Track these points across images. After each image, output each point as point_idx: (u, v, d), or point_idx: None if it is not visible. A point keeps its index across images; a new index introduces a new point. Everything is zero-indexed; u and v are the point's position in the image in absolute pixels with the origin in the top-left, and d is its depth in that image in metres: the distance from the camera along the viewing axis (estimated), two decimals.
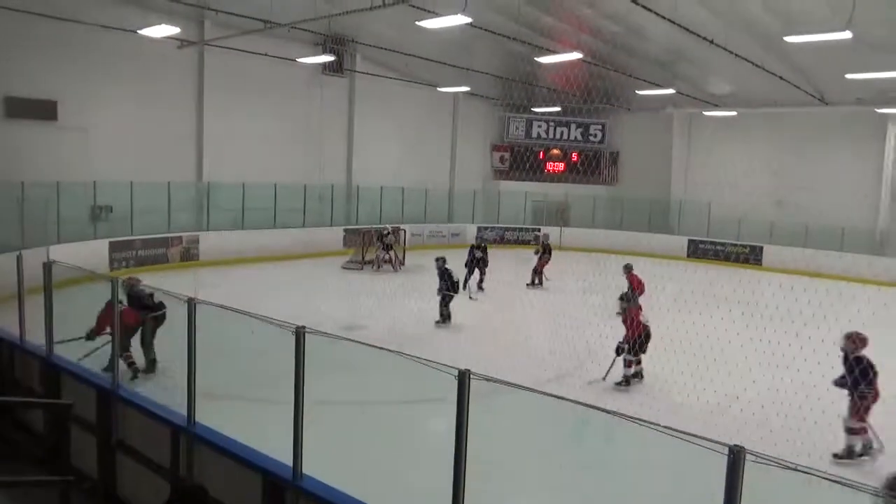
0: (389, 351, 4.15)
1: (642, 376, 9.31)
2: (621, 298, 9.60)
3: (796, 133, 23.49)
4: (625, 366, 9.13)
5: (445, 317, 12.40)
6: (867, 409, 7.04)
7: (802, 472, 2.65)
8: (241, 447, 4.56)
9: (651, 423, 3.14)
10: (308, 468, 4.17)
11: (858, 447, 7.01)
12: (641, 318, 9.23)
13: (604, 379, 8.99)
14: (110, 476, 5.60)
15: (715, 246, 24.39)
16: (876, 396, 7.12)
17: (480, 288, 15.77)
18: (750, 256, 23.41)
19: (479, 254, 16.08)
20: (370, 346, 4.40)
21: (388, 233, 19.39)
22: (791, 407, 7.54)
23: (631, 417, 3.22)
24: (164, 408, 5.21)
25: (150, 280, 11.29)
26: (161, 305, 8.61)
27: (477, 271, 15.90)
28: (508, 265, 17.24)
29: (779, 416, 7.31)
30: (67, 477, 4.73)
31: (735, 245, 23.91)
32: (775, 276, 15.17)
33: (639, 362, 9.22)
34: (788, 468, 2.67)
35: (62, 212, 14.96)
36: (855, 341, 7.33)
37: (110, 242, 16.14)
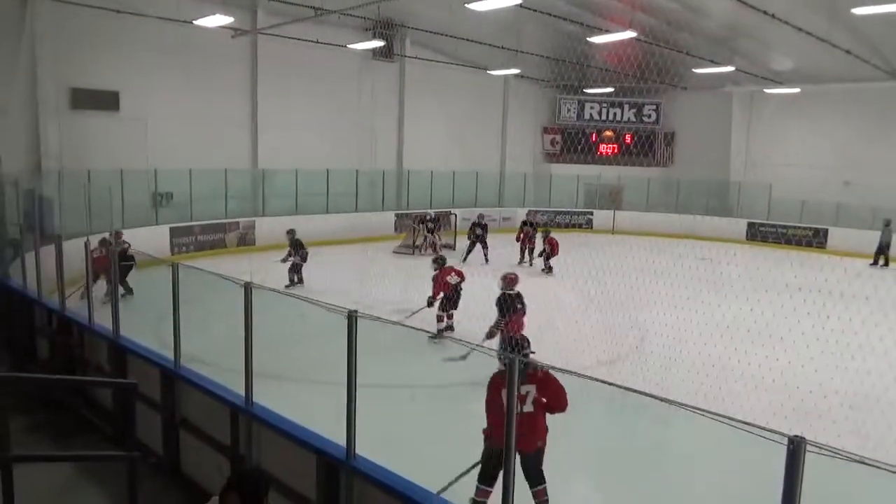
0: (439, 334, 4.17)
1: (453, 328, 10.14)
2: (434, 260, 10.87)
3: (865, 110, 22.34)
4: (437, 321, 9.97)
5: (295, 281, 13.98)
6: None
7: (868, 464, 2.55)
8: (297, 427, 4.67)
9: (707, 411, 3.08)
10: (361, 449, 4.25)
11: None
12: (450, 279, 10.27)
13: (406, 318, 9.60)
14: (174, 453, 5.85)
15: (776, 229, 23.53)
16: (516, 329, 8.11)
17: (486, 260, 17.34)
18: (813, 240, 22.50)
19: (479, 231, 17.96)
20: (421, 330, 4.43)
21: (430, 218, 19.51)
22: (856, 396, 7.28)
23: (686, 405, 3.16)
24: (224, 388, 5.39)
25: (209, 264, 11.65)
26: (132, 258, 11.98)
27: (479, 246, 17.72)
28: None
29: (842, 406, 7.06)
30: (134, 453, 4.95)
31: (798, 228, 23.01)
32: (842, 260, 14.57)
33: (450, 317, 10.25)
34: (853, 460, 2.57)
35: (125, 199, 15.55)
36: (506, 280, 8.91)
37: (171, 228, 16.73)
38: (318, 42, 18.94)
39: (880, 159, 22.05)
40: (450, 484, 4.93)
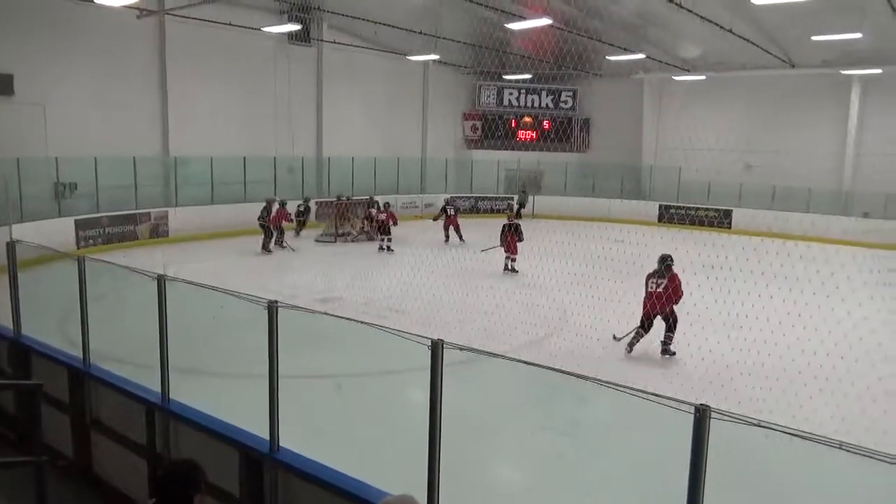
0: (362, 323, 4.17)
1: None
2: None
3: (765, 96, 23.76)
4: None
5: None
6: None
7: (766, 427, 2.74)
8: (217, 422, 4.56)
9: (619, 384, 3.22)
10: (285, 442, 4.20)
11: None
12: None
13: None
14: (86, 455, 5.59)
15: (685, 210, 24.67)
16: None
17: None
18: (714, 220, 23.74)
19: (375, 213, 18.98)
20: (343, 318, 4.41)
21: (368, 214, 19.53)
22: (754, 365, 7.80)
23: (600, 380, 3.29)
24: (138, 385, 5.19)
25: (119, 258, 11.11)
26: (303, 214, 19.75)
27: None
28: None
29: (742, 374, 7.55)
30: (41, 457, 4.70)
31: (704, 209, 24.23)
32: (740, 239, 15.49)
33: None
34: (752, 425, 2.76)
35: (24, 189, 14.56)
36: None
37: (76, 220, 15.79)
38: (230, 24, 18.27)
39: (778, 142, 23.52)
40: (622, 337, 9.07)
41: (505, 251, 14.60)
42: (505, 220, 15.00)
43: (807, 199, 21.97)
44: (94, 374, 5.49)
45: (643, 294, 9.06)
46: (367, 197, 20.81)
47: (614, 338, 9.28)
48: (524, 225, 20.18)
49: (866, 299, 10.48)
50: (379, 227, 17.81)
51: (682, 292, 8.91)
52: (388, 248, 17.34)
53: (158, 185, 18.60)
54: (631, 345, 9.03)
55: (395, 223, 17.81)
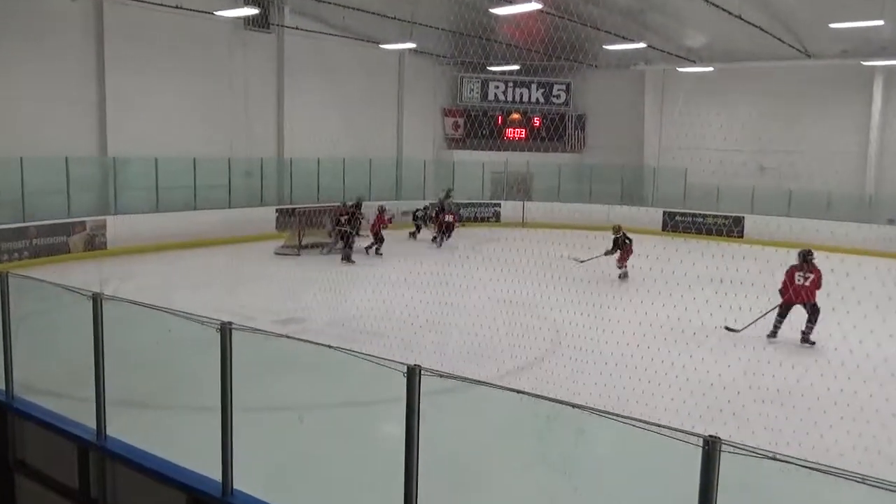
0: (329, 347, 4.16)
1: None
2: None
3: (778, 90, 24.03)
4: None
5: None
6: None
7: (781, 460, 2.77)
8: (161, 462, 4.52)
9: (619, 415, 3.25)
10: (240, 484, 4.17)
11: None
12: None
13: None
14: (8, 501, 5.49)
15: (692, 218, 24.85)
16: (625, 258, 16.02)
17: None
18: (724, 228, 23.95)
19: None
20: (308, 342, 4.39)
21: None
22: (769, 391, 7.88)
23: (599, 410, 3.32)
24: (69, 420, 5.12)
25: (50, 273, 10.97)
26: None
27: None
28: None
29: (756, 401, 7.62)
30: None
31: (713, 216, 24.43)
32: (752, 249, 15.69)
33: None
34: (766, 458, 2.79)
35: None
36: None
37: None
38: (178, 8, 18.20)
39: (794, 141, 23.84)
40: (751, 323, 10.37)
41: (618, 261, 16.26)
42: (612, 234, 16.42)
43: (826, 204, 22.27)
44: (17, 409, 5.41)
45: (783, 284, 10.72)
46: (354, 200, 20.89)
47: (727, 329, 10.68)
48: (458, 233, 21.58)
49: (891, 315, 10.64)
50: (445, 227, 20.93)
51: (821, 285, 10.78)
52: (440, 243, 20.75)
53: (95, 189, 18.44)
54: (773, 333, 10.63)
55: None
